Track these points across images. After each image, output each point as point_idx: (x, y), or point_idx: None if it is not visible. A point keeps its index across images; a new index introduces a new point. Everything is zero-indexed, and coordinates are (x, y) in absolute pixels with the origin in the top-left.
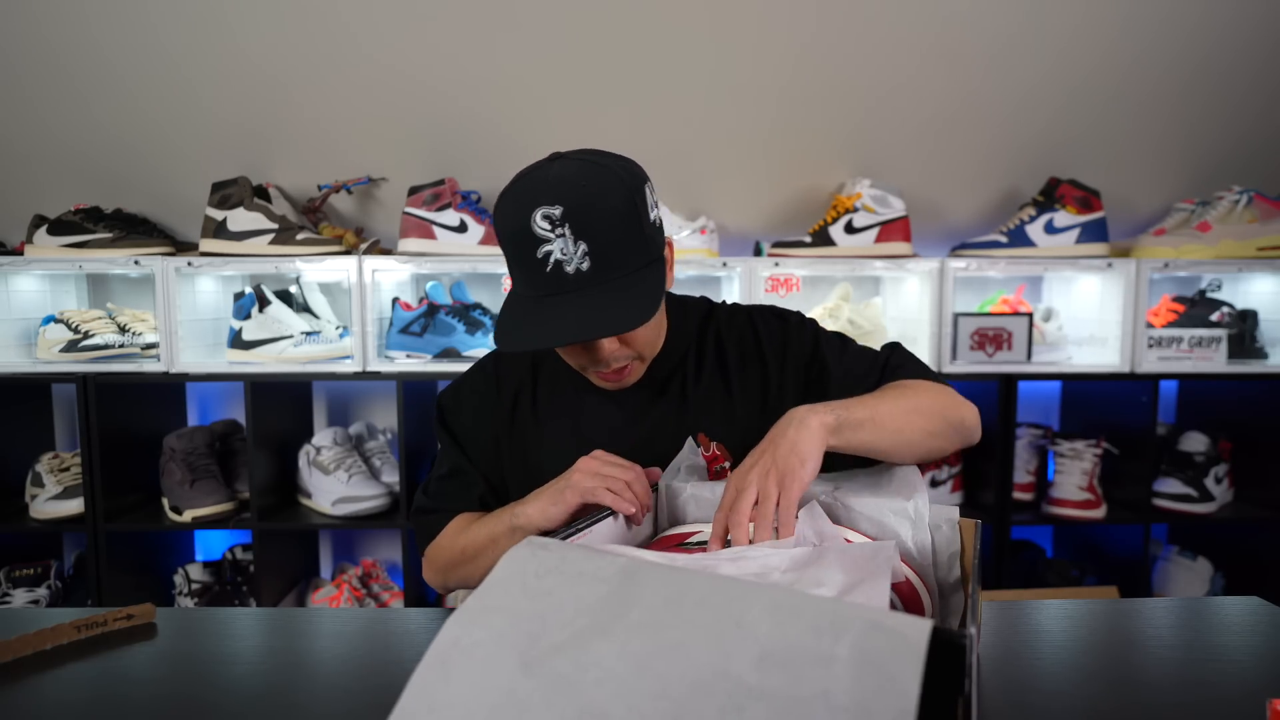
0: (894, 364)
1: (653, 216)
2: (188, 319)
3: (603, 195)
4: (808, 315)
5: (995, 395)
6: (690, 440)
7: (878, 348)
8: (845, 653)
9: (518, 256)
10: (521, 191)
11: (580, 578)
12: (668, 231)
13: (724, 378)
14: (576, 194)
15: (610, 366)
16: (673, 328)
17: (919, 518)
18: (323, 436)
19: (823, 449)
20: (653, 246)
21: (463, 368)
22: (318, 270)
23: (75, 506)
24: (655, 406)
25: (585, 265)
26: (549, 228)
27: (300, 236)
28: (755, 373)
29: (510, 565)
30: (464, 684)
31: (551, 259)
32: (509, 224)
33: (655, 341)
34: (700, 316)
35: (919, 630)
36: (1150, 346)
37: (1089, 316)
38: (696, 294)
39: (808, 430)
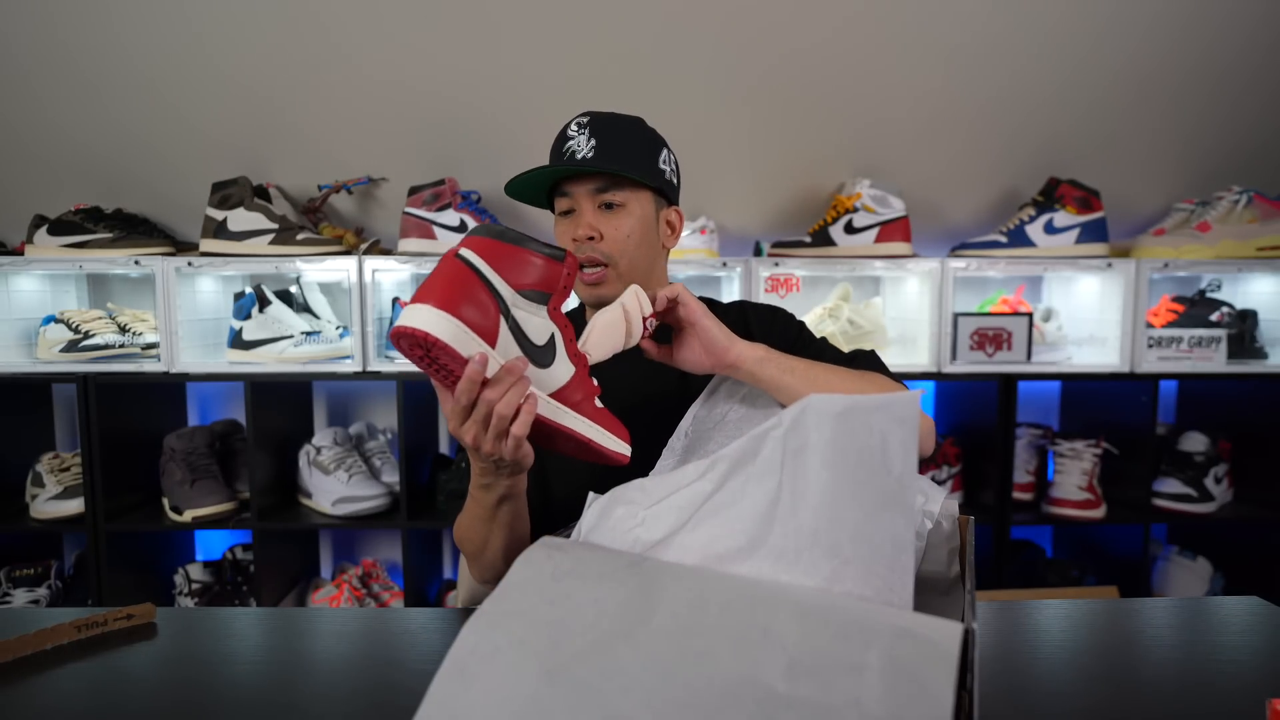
0: (860, 361)
1: (665, 161)
2: (188, 319)
3: (625, 119)
4: (807, 316)
5: (995, 395)
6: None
7: (878, 348)
8: (875, 660)
9: (550, 157)
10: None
11: (599, 580)
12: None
13: None
14: (605, 114)
15: (584, 244)
16: None
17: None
18: (323, 436)
19: (741, 354)
20: (658, 175)
21: None
22: (318, 270)
23: (75, 506)
24: (656, 383)
25: (590, 155)
26: (575, 130)
27: (300, 236)
28: None
29: (526, 568)
30: (485, 692)
31: (569, 152)
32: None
33: (631, 250)
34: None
35: (950, 637)
36: (1150, 346)
37: (1089, 316)
38: (697, 295)
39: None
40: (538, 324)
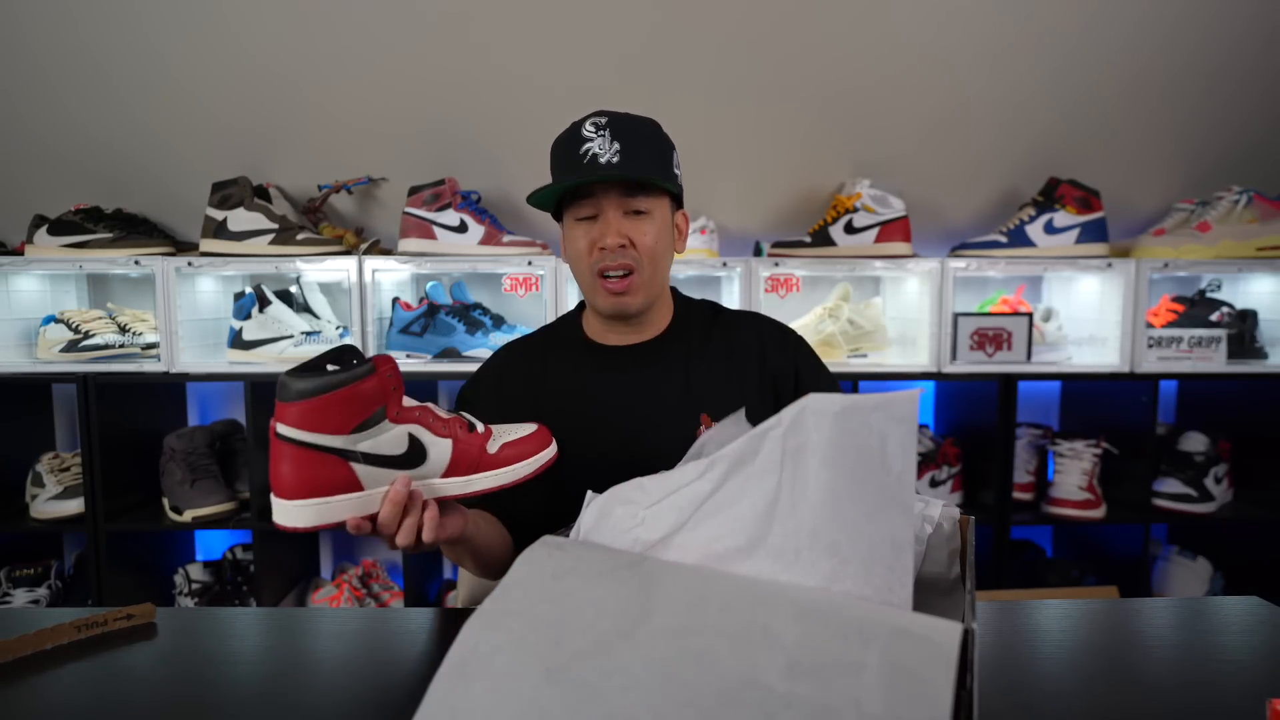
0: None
1: (677, 165)
2: (188, 319)
3: (643, 121)
4: (807, 316)
5: (995, 395)
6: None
7: (878, 348)
8: (875, 660)
9: (562, 157)
10: (580, 117)
11: (599, 579)
12: None
13: (727, 364)
14: (621, 114)
15: (614, 251)
16: (679, 315)
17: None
18: None
19: None
20: (673, 179)
21: (462, 367)
22: (318, 270)
23: (75, 506)
24: (660, 387)
25: (616, 159)
26: (594, 131)
27: (300, 236)
28: (754, 366)
29: (527, 566)
30: (486, 691)
31: (589, 154)
32: (561, 135)
33: (657, 257)
34: (707, 311)
35: (949, 636)
36: (1150, 346)
37: (1089, 316)
38: (697, 295)
39: None
40: (389, 438)
